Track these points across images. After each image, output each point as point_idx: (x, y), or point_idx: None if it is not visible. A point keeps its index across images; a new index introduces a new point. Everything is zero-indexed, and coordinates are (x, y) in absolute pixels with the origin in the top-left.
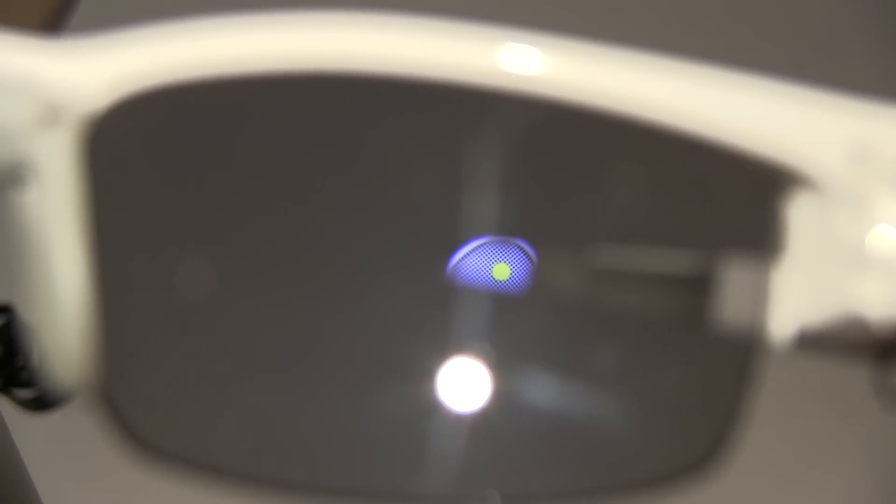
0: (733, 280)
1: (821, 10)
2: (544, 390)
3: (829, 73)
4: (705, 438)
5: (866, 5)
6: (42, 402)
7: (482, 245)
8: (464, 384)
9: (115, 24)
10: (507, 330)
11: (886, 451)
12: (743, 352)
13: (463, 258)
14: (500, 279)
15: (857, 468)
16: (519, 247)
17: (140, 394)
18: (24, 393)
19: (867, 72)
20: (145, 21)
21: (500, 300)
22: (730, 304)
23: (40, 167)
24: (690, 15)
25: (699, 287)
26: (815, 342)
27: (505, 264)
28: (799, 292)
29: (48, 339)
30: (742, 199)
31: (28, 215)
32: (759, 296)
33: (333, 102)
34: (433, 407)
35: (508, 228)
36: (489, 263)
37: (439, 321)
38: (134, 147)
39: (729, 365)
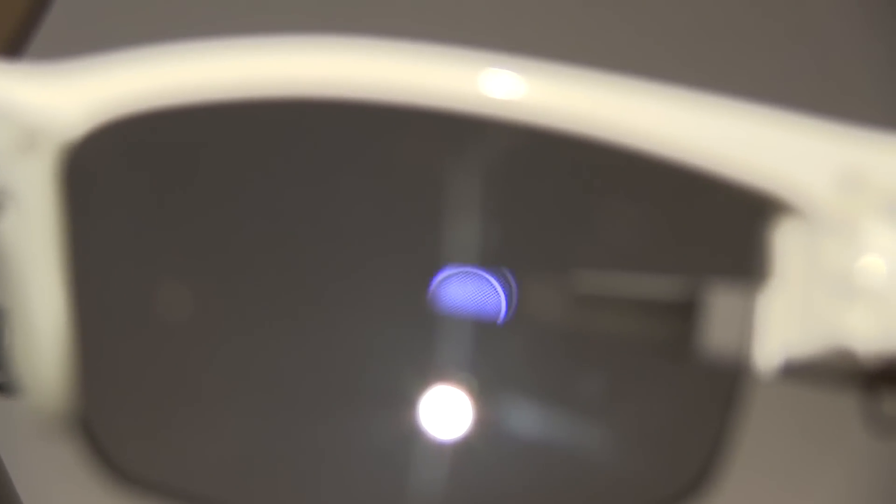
0: (719, 308)
1: (817, 28)
2: (528, 419)
3: (826, 95)
4: (691, 467)
5: (864, 22)
6: (8, 388)
7: (463, 272)
8: (447, 412)
9: (77, 48)
10: (490, 357)
11: (875, 479)
12: (729, 380)
13: (444, 285)
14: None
15: (846, 495)
16: (499, 274)
17: (119, 422)
18: None
19: (865, 91)
20: (109, 45)
21: (484, 327)
22: (716, 332)
23: (17, 193)
24: (673, 39)
25: (685, 315)
26: (801, 371)
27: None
28: (786, 321)
29: (26, 366)
30: (728, 226)
31: (4, 241)
32: (746, 324)
33: (314, 128)
34: (415, 435)
35: (492, 255)
36: (470, 290)
37: (421, 348)
38: (112, 173)
39: (715, 393)
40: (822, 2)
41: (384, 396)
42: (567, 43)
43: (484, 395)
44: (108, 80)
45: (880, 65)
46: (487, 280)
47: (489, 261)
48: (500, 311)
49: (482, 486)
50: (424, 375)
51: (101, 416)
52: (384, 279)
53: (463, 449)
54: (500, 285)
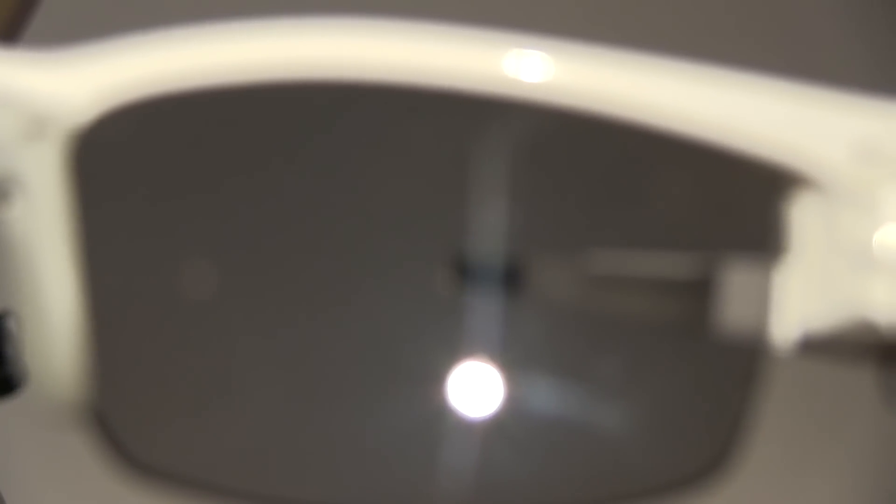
0: (737, 284)
1: (813, 14)
2: (549, 398)
3: (824, 75)
4: (711, 443)
5: (859, 8)
6: (13, 381)
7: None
8: (466, 393)
9: (74, 34)
10: (509, 338)
11: (893, 454)
12: (747, 356)
13: (454, 266)
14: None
15: (863, 471)
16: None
17: (133, 412)
18: None
19: (861, 73)
20: (106, 31)
21: (501, 309)
22: (734, 308)
23: (26, 181)
24: (687, 16)
25: (703, 292)
26: (820, 345)
27: (458, 278)
28: (804, 295)
29: (38, 357)
30: (745, 202)
31: (14, 231)
32: (764, 300)
33: (328, 111)
34: (437, 416)
35: (512, 234)
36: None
37: (443, 328)
38: (121, 159)
39: (733, 370)
40: None
41: (402, 379)
42: (576, 20)
43: (503, 375)
44: (115, 64)
45: (883, 42)
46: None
47: (508, 241)
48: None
49: (504, 466)
50: (444, 356)
51: (115, 406)
52: (400, 262)
53: (484, 430)
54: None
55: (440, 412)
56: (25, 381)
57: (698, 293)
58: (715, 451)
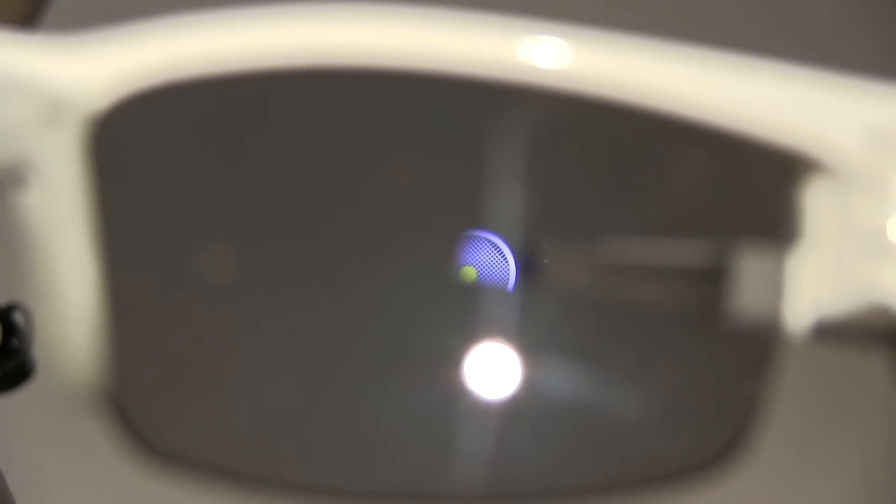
0: (751, 271)
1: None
2: (561, 385)
3: (837, 61)
4: (725, 430)
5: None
6: (23, 371)
7: (476, 239)
8: (482, 378)
9: (92, 20)
10: (524, 324)
11: None
12: (761, 343)
13: (463, 252)
14: (468, 280)
15: (880, 457)
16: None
17: (150, 397)
18: None
19: (873, 59)
20: (123, 16)
21: (514, 295)
22: (748, 295)
23: (43, 167)
24: (700, 2)
25: (716, 279)
26: (833, 332)
27: (471, 267)
28: (818, 281)
29: (55, 342)
30: (758, 188)
31: (31, 217)
32: (777, 286)
33: (343, 98)
34: (453, 400)
35: (527, 221)
36: (482, 257)
37: (459, 314)
38: (139, 145)
39: (747, 356)
40: None
41: (419, 364)
42: (589, 7)
43: (518, 360)
44: (133, 50)
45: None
46: (497, 247)
47: (524, 228)
48: (509, 277)
49: (516, 453)
50: (459, 342)
51: (131, 392)
52: (417, 248)
53: (495, 418)
54: (507, 252)
55: (456, 397)
56: (34, 373)
57: (711, 280)
58: (728, 438)
